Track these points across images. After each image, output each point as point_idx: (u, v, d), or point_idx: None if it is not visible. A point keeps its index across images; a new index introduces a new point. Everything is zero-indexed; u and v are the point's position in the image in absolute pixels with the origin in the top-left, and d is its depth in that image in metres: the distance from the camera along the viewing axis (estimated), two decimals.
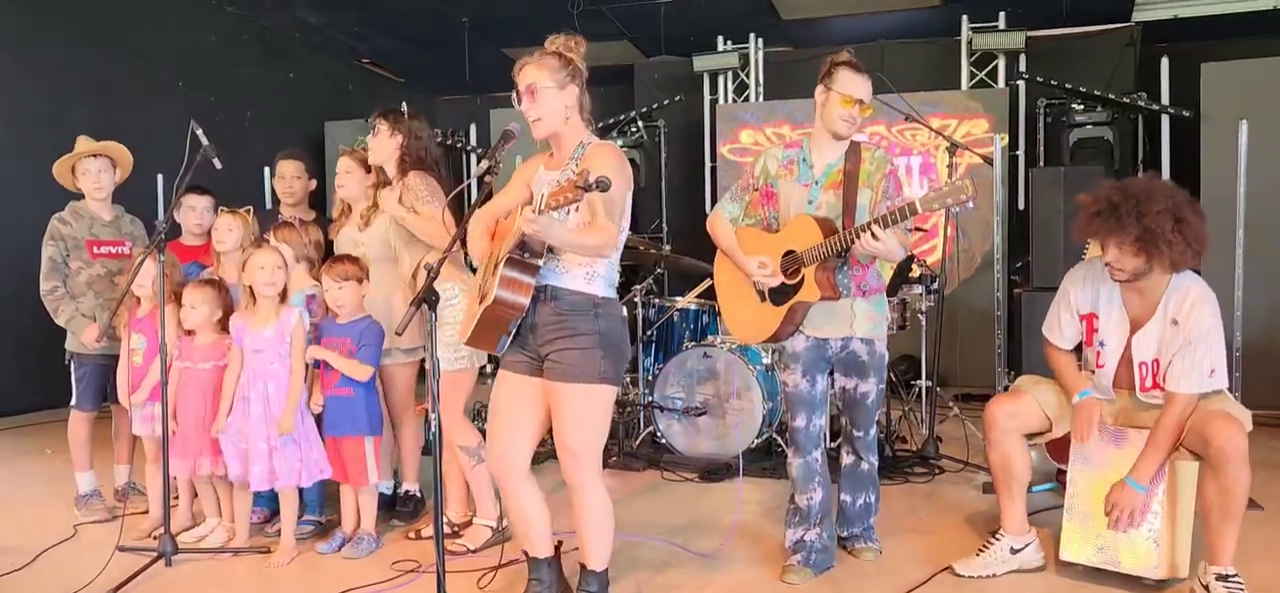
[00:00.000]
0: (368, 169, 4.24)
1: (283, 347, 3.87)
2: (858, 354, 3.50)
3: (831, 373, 3.62)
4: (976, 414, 5.37)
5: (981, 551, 3.55)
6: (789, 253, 3.41)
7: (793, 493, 3.64)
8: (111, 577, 3.64)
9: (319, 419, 4.02)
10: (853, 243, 3.23)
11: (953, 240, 6.52)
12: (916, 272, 5.35)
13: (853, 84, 3.35)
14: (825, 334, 3.47)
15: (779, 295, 3.45)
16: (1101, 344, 3.43)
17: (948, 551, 3.73)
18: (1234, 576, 3.14)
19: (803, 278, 3.36)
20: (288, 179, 4.88)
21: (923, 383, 5.30)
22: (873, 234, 3.13)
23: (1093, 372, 3.49)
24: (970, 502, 4.49)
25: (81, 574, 3.68)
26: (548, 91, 2.92)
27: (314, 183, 5.01)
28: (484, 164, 2.94)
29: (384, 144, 4.06)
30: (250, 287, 3.92)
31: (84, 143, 4.62)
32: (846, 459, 3.73)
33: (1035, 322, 5.59)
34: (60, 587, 3.58)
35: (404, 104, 4.06)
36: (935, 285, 5.30)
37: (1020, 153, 7.68)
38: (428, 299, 2.63)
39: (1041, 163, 7.49)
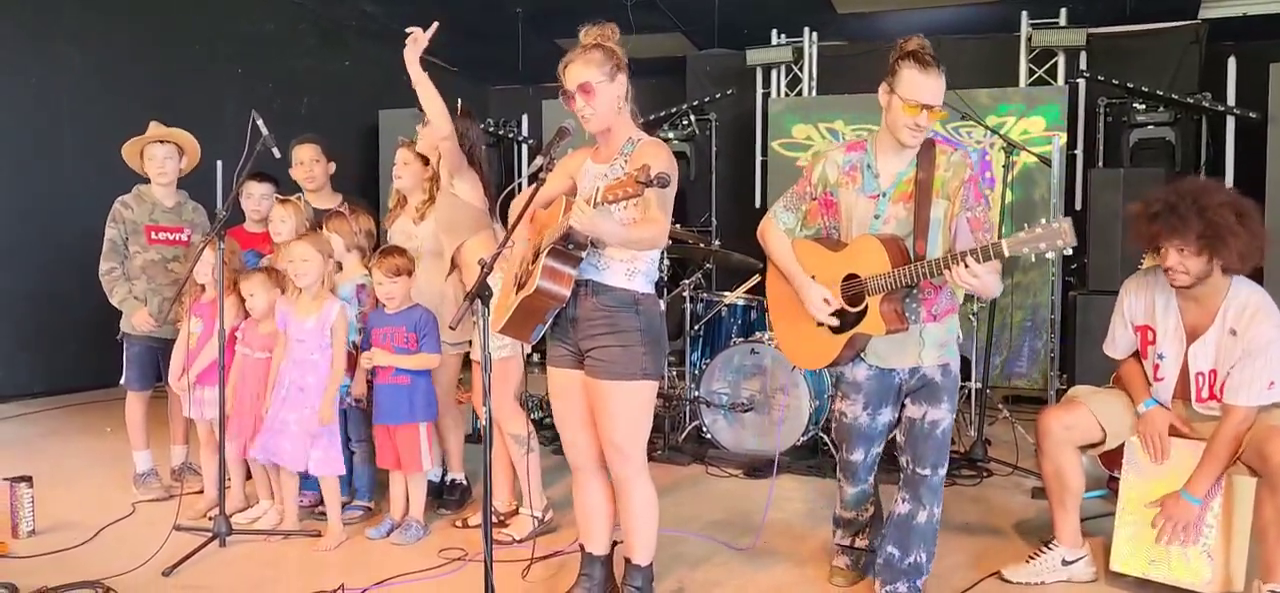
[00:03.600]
0: (425, 162, 4.28)
1: (324, 338, 3.93)
2: (930, 377, 3.08)
3: (901, 404, 3.18)
4: (1026, 418, 5.31)
5: (1032, 558, 3.51)
6: (851, 277, 3.03)
7: (839, 510, 3.45)
8: (168, 555, 3.74)
9: (369, 408, 4.09)
10: (925, 278, 2.87)
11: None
12: (976, 306, 5.29)
13: (918, 86, 2.89)
14: (892, 364, 3.10)
15: (839, 324, 3.07)
16: (1160, 356, 3.36)
17: (995, 556, 3.69)
18: None
19: (866, 306, 2.98)
20: (306, 164, 4.92)
21: (972, 385, 5.24)
22: (968, 271, 2.73)
23: (1150, 384, 3.42)
24: (1019, 507, 4.43)
25: (140, 552, 3.78)
26: (602, 86, 2.92)
27: (333, 166, 5.05)
28: (538, 161, 2.96)
29: (428, 137, 4.10)
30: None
31: (155, 128, 4.74)
32: (902, 508, 3.15)
33: (1090, 324, 5.52)
34: (119, 563, 3.68)
35: (459, 101, 4.06)
36: None
37: (1078, 152, 7.53)
38: (481, 295, 2.65)
39: (1100, 163, 7.34)
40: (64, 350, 7.17)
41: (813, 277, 3.13)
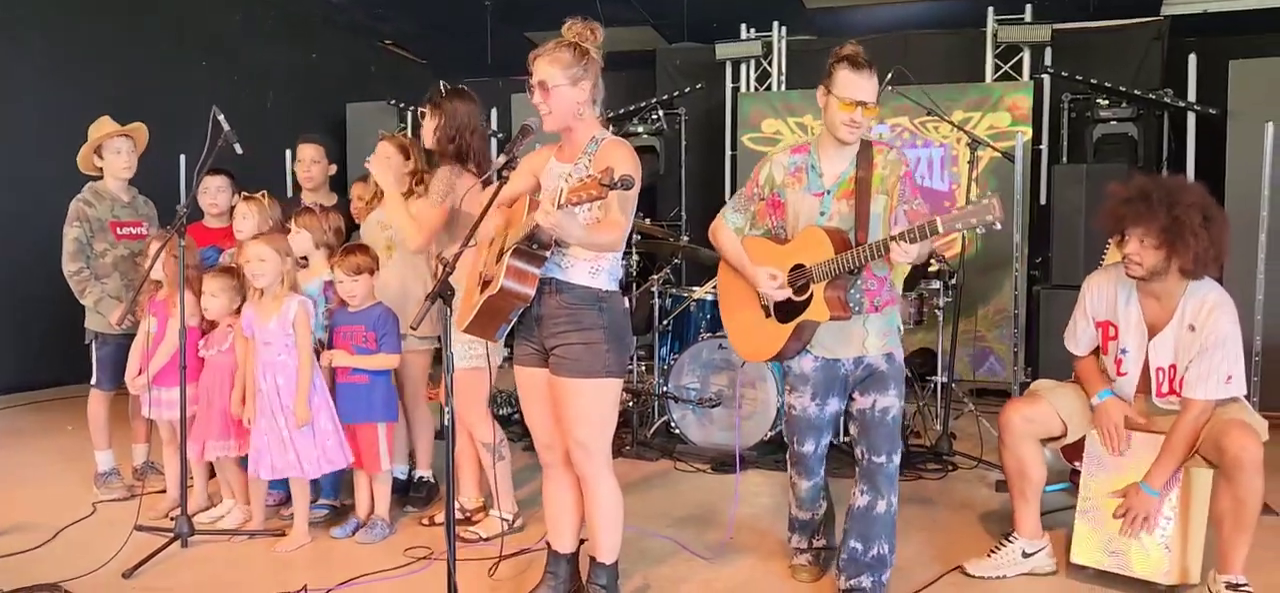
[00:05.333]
0: (407, 155, 4.22)
1: (288, 337, 3.88)
2: (875, 366, 3.18)
3: (850, 395, 3.26)
4: (990, 411, 5.36)
5: (993, 551, 3.54)
6: (797, 267, 3.14)
7: (795, 510, 3.50)
8: (129, 556, 3.69)
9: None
10: (868, 261, 2.99)
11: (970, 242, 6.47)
12: (934, 267, 5.33)
13: (852, 85, 3.02)
14: (837, 354, 3.20)
15: (785, 312, 3.18)
16: (1123, 351, 3.40)
17: (959, 549, 3.72)
18: (1244, 584, 3.12)
19: (811, 295, 3.10)
20: (306, 164, 4.91)
21: (938, 379, 5.28)
22: (898, 251, 2.88)
23: (1113, 379, 3.46)
24: (982, 500, 4.48)
25: (100, 553, 3.73)
26: (560, 89, 2.90)
27: (334, 168, 5.04)
28: (501, 159, 2.95)
29: (427, 127, 4.03)
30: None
31: (108, 124, 4.66)
32: (860, 500, 3.21)
33: (1053, 318, 5.58)
34: (78, 565, 3.63)
35: (441, 83, 3.98)
36: (953, 281, 5.27)
37: (1043, 148, 7.61)
38: (442, 294, 2.64)
39: (1064, 159, 7.41)
40: (25, 348, 7.06)
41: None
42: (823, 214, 3.17)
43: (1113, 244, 3.84)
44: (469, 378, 3.79)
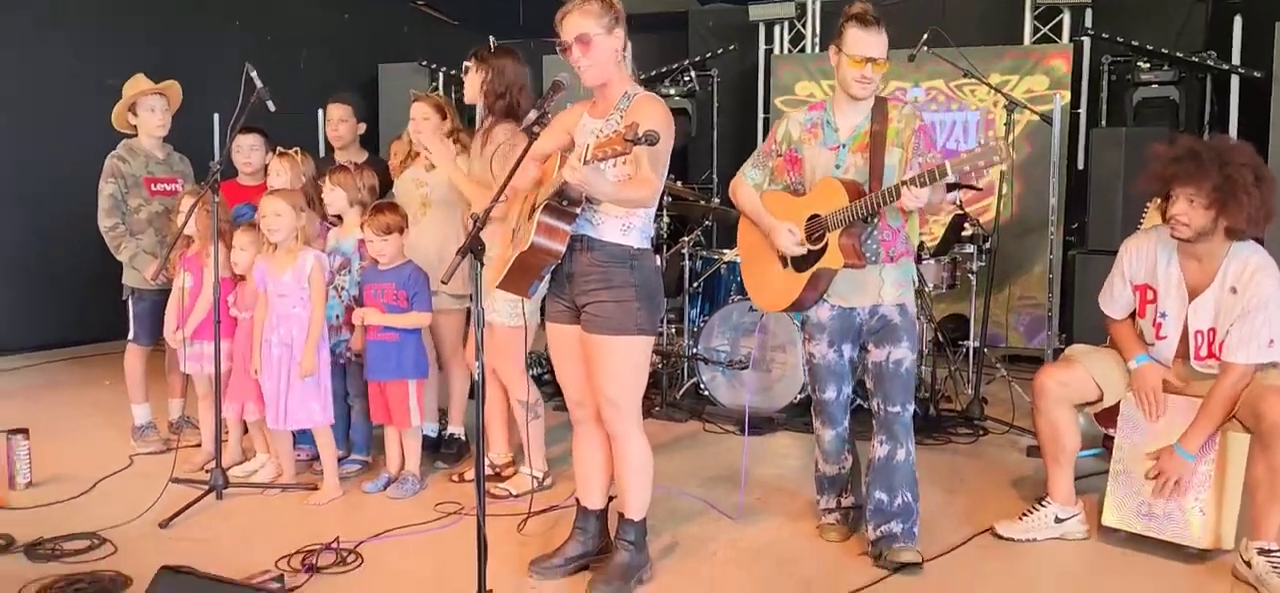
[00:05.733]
0: (443, 114, 4.21)
1: (302, 291, 3.91)
2: (889, 318, 3.23)
3: (862, 347, 3.33)
4: (1023, 377, 5.30)
5: (1025, 515, 3.52)
6: (814, 217, 3.21)
7: (820, 466, 3.52)
8: (165, 507, 3.76)
9: (360, 363, 4.09)
10: (881, 206, 3.05)
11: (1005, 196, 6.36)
12: (969, 230, 5.26)
13: (861, 43, 3.10)
14: (852, 303, 3.27)
15: (802, 262, 3.25)
16: (1162, 315, 3.34)
17: (989, 513, 3.70)
18: (1277, 551, 3.07)
19: (826, 244, 3.17)
20: (334, 123, 4.92)
21: (970, 343, 5.22)
22: (909, 196, 2.95)
23: (1151, 343, 3.41)
24: (1014, 465, 4.44)
25: (137, 503, 3.80)
26: (598, 39, 2.89)
27: (363, 126, 5.04)
28: (533, 115, 2.95)
29: (472, 83, 4.00)
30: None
31: (142, 81, 4.69)
32: (879, 450, 3.28)
33: (1089, 284, 5.49)
34: (116, 514, 3.70)
35: (491, 39, 3.98)
36: (987, 245, 5.20)
37: (1082, 112, 7.46)
38: (473, 249, 2.64)
39: (1103, 123, 7.27)
40: (64, 305, 7.16)
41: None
42: (838, 167, 3.23)
43: (1151, 206, 3.78)
44: (508, 336, 3.81)
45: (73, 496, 3.98)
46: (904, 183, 2.98)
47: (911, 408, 3.31)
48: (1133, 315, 3.48)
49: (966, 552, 3.43)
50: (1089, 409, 3.58)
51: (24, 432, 4.10)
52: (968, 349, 5.26)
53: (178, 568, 2.25)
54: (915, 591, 3.12)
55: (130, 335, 4.71)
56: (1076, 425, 3.49)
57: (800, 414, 5.08)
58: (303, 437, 4.27)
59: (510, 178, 2.89)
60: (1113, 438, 3.53)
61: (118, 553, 3.38)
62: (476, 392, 2.75)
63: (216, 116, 7.47)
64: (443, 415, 4.57)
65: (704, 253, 5.68)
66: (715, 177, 8.79)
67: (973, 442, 4.80)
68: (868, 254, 3.19)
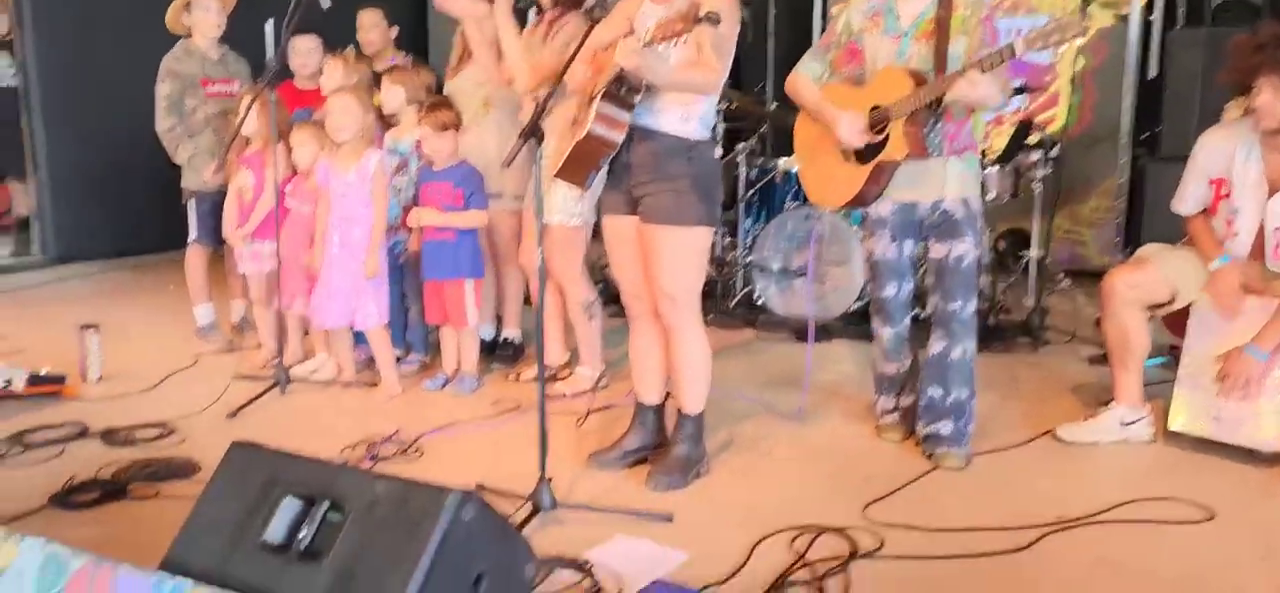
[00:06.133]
0: None
1: (365, 190, 3.92)
2: (952, 213, 3.15)
3: (924, 243, 3.29)
4: (1086, 290, 5.19)
5: (1089, 417, 3.45)
6: (875, 108, 3.10)
7: (879, 365, 3.48)
8: (230, 401, 3.85)
9: (417, 263, 4.10)
10: (945, 91, 2.94)
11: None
12: (1034, 137, 5.10)
13: None
14: (914, 197, 3.18)
15: (863, 155, 3.15)
16: (1235, 210, 3.23)
17: (1048, 417, 3.63)
18: None
19: (888, 135, 3.06)
20: (365, 29, 4.90)
21: (1031, 253, 5.09)
22: (969, 80, 2.84)
23: (1222, 242, 3.30)
24: (1075, 373, 4.34)
25: (203, 398, 3.90)
26: None
27: (395, 30, 4.98)
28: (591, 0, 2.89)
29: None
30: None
31: None
32: (936, 347, 3.23)
33: (1161, 194, 5.31)
34: (184, 407, 3.79)
35: None
36: (1053, 152, 5.04)
37: (1156, 16, 7.14)
38: (534, 133, 2.61)
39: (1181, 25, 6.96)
40: (126, 213, 7.27)
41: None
42: (901, 55, 3.12)
43: (1232, 105, 3.63)
44: (566, 235, 3.80)
45: (141, 390, 4.08)
46: (971, 65, 2.88)
47: (972, 305, 3.23)
48: (1204, 213, 3.36)
49: (1024, 452, 3.38)
50: (1159, 311, 3.47)
51: (94, 326, 4.20)
52: (1028, 261, 5.12)
53: (249, 444, 2.29)
54: (971, 488, 3.09)
55: (191, 237, 4.78)
56: (1145, 328, 3.40)
57: (856, 323, 5.03)
58: (362, 337, 4.32)
59: (568, 65, 2.85)
60: (1179, 348, 3.44)
61: (186, 441, 3.47)
62: (539, 287, 2.75)
63: (269, 23, 7.44)
64: (497, 320, 4.59)
65: (759, 161, 5.59)
66: (770, 85, 8.62)
67: (1032, 352, 4.71)
68: (931, 147, 3.10)
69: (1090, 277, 5.66)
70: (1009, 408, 3.82)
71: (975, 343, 3.24)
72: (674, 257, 2.92)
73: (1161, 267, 3.38)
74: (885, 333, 3.41)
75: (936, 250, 3.20)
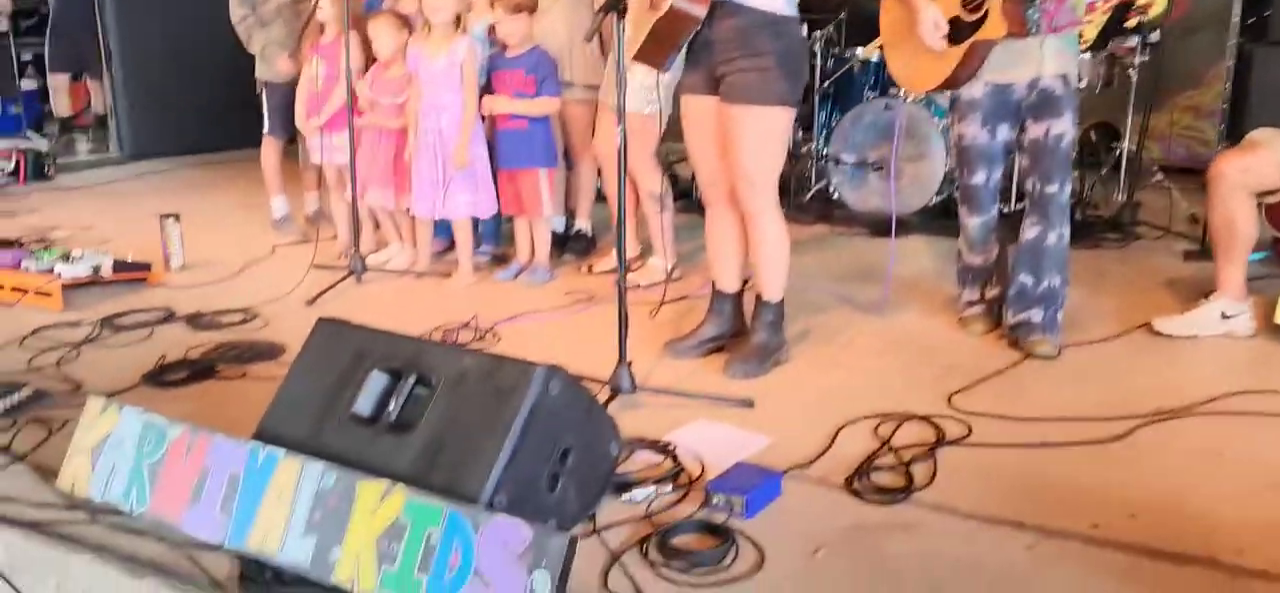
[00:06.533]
0: None
1: (454, 78, 3.86)
2: (1051, 91, 3.01)
3: (1021, 126, 3.13)
4: (1181, 184, 4.97)
5: (1187, 310, 3.31)
6: None
7: (965, 255, 3.38)
8: (307, 290, 3.89)
9: (492, 152, 4.06)
10: None
11: None
12: (1133, 21, 4.82)
13: None
14: (1010, 78, 3.04)
15: (957, 34, 2.98)
16: None
17: (1142, 311, 3.49)
18: None
19: (986, 12, 2.90)
20: None
21: (1123, 145, 4.86)
22: None
23: None
24: (1169, 268, 4.17)
25: (281, 286, 3.94)
26: None
27: None
28: None
29: None
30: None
31: None
32: (1030, 232, 3.13)
33: (1269, 81, 5.06)
34: (263, 294, 3.84)
35: None
36: (1152, 39, 4.77)
37: None
38: (616, 5, 2.52)
39: None
40: (201, 110, 7.35)
41: None
42: None
43: None
44: (639, 124, 3.72)
45: (222, 278, 4.14)
46: None
47: (1069, 188, 3.12)
48: None
49: (1117, 345, 3.26)
50: (1268, 198, 3.29)
51: (175, 216, 4.26)
52: (1121, 153, 4.90)
53: (335, 320, 2.29)
54: (1061, 379, 2.99)
55: (265, 128, 4.79)
56: (1253, 216, 3.23)
57: (935, 217, 4.89)
58: (437, 228, 4.32)
59: None
60: None
61: (269, 326, 3.52)
62: (618, 171, 2.69)
63: None
64: (569, 214, 4.56)
65: (836, 51, 5.40)
66: None
67: (1122, 247, 4.53)
68: (1031, 25, 2.94)
69: (1187, 172, 5.42)
70: (1099, 303, 3.68)
71: (1069, 229, 3.13)
72: (755, 138, 2.83)
73: (1275, 150, 3.19)
74: (972, 223, 3.29)
75: (1033, 130, 3.07)
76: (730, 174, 2.95)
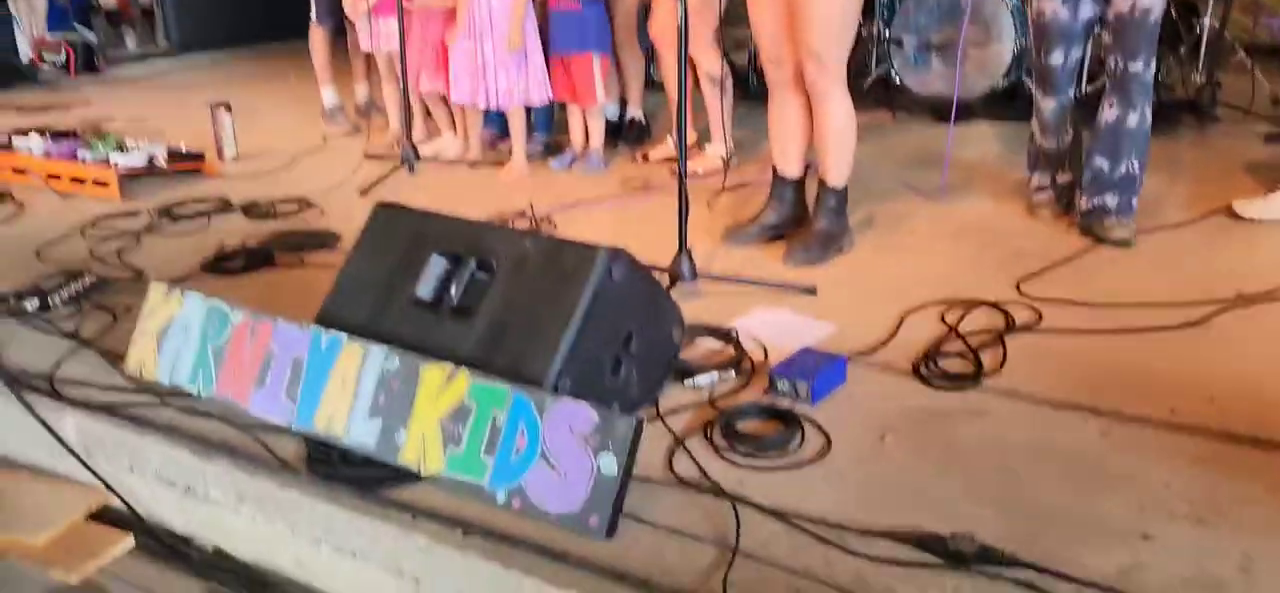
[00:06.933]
0: None
1: None
2: None
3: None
4: (1264, 65, 4.73)
5: (1271, 193, 3.16)
6: None
7: (1038, 138, 3.24)
8: (360, 180, 3.86)
9: (545, 39, 3.96)
10: None
11: None
12: None
13: None
14: None
15: None
16: None
17: (1221, 196, 3.35)
18: None
19: None
20: None
21: (1205, 22, 4.60)
22: None
23: None
24: (1250, 151, 3.98)
25: (334, 176, 3.92)
26: None
27: None
28: None
29: None
30: None
31: None
32: (1109, 113, 2.98)
33: None
34: (317, 184, 3.83)
35: None
36: None
37: None
38: None
39: None
40: (245, 2, 7.28)
41: None
42: None
43: None
44: (698, 3, 3.59)
45: (275, 168, 4.13)
46: None
47: (1152, 67, 2.96)
48: None
49: (1194, 230, 3.14)
50: None
51: (226, 105, 4.24)
52: (1201, 32, 4.64)
53: (393, 204, 2.26)
54: (1136, 265, 2.89)
55: (312, 17, 4.72)
56: None
57: (1002, 102, 4.72)
58: (487, 120, 4.26)
59: None
60: None
61: (324, 215, 3.51)
62: (679, 52, 2.60)
63: None
64: (622, 102, 4.46)
65: None
66: None
67: (1199, 130, 4.34)
68: None
69: (1270, 52, 5.16)
70: (1175, 187, 3.54)
71: (1151, 110, 2.97)
72: (825, 12, 2.72)
73: None
74: (1048, 104, 3.15)
75: (1119, 3, 2.89)
76: (796, 52, 2.84)
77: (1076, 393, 2.13)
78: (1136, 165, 2.99)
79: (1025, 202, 3.36)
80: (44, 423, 2.11)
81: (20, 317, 2.59)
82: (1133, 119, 2.95)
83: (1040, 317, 2.52)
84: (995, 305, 2.58)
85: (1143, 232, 3.07)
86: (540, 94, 3.92)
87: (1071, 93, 3.16)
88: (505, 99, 3.87)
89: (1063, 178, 3.25)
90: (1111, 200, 3.00)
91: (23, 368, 2.33)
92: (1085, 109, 3.25)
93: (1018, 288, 2.71)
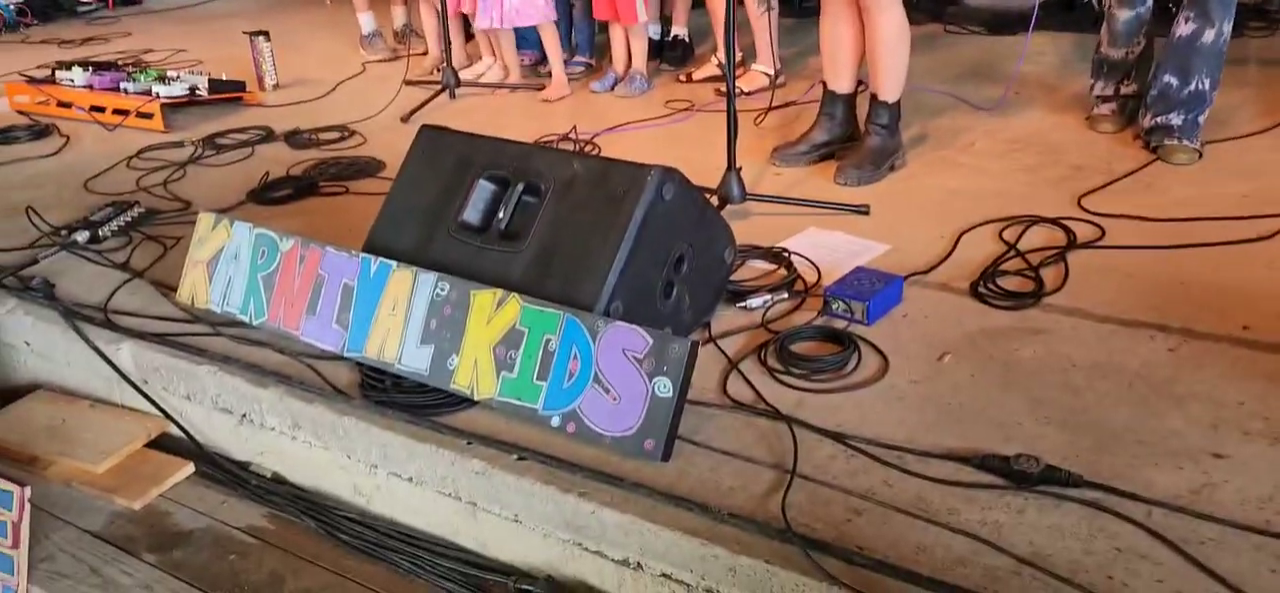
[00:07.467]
0: None
1: None
2: None
3: None
4: None
5: None
6: None
7: (1104, 48, 3.09)
8: (401, 106, 3.83)
9: None
10: None
11: None
12: None
13: None
14: None
15: None
16: None
17: None
18: None
19: None
20: None
21: None
22: None
23: None
24: None
25: (375, 103, 3.89)
26: None
27: None
28: None
29: None
30: None
31: None
32: (1184, 27, 2.81)
33: None
34: (359, 112, 3.80)
35: None
36: None
37: None
38: None
39: None
40: None
41: None
42: None
43: None
44: None
45: (315, 97, 4.11)
46: None
47: None
48: None
49: (1262, 141, 3.00)
50: None
51: (264, 34, 4.21)
52: None
53: (438, 128, 2.22)
54: (1201, 178, 2.76)
55: None
56: None
57: (1057, 12, 4.54)
58: (526, 42, 4.19)
59: None
60: None
61: (366, 143, 3.48)
62: None
63: None
64: (664, 20, 4.36)
65: None
66: None
67: (1268, 36, 4.15)
68: None
69: None
70: (1242, 96, 3.38)
71: (1231, 26, 2.80)
72: None
73: None
74: (1122, 15, 2.98)
75: None
76: None
77: (1142, 310, 2.06)
78: (1208, 84, 2.83)
79: (1084, 115, 3.24)
80: (102, 353, 2.13)
81: (72, 249, 2.61)
82: (1209, 35, 2.78)
83: (1103, 232, 2.43)
84: (1055, 221, 2.49)
85: (1209, 142, 2.94)
86: (546, 11, 3.84)
87: (1150, 3, 2.99)
88: (515, 16, 3.79)
89: (1127, 88, 3.11)
90: (1176, 119, 2.85)
91: (77, 299, 2.35)
92: (1158, 21, 3.09)
93: (1079, 203, 2.62)
